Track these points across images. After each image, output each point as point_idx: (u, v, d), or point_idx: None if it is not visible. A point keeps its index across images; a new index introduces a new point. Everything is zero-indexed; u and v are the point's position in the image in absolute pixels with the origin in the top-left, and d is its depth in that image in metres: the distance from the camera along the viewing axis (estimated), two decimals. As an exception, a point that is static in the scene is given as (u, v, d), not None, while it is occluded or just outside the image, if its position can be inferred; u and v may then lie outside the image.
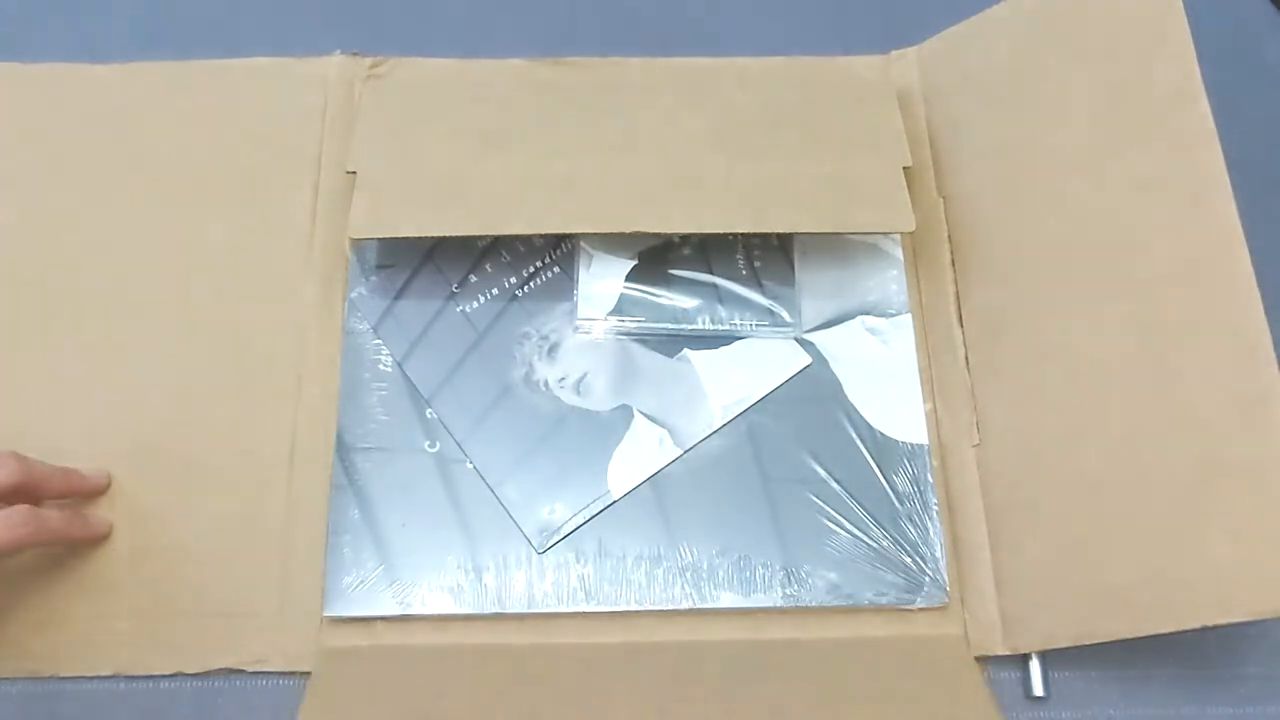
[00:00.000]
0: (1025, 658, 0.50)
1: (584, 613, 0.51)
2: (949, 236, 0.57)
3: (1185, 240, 0.46)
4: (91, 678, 0.49)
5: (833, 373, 0.56)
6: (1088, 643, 0.46)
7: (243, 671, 0.50)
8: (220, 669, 0.50)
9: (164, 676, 0.50)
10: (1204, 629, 0.43)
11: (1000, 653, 0.50)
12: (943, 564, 0.52)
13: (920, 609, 0.51)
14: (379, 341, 0.56)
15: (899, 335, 0.57)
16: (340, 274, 0.57)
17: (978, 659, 0.50)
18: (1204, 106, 0.47)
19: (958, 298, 0.56)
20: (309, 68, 0.61)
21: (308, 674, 0.50)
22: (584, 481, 0.53)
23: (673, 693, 0.48)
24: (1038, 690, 0.50)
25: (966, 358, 0.55)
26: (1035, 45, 0.56)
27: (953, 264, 0.57)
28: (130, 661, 0.49)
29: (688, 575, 0.51)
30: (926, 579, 0.51)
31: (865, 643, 0.51)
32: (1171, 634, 0.43)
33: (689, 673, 0.50)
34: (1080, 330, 0.50)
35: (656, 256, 0.57)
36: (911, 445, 0.54)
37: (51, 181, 0.58)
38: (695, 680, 0.49)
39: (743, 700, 0.49)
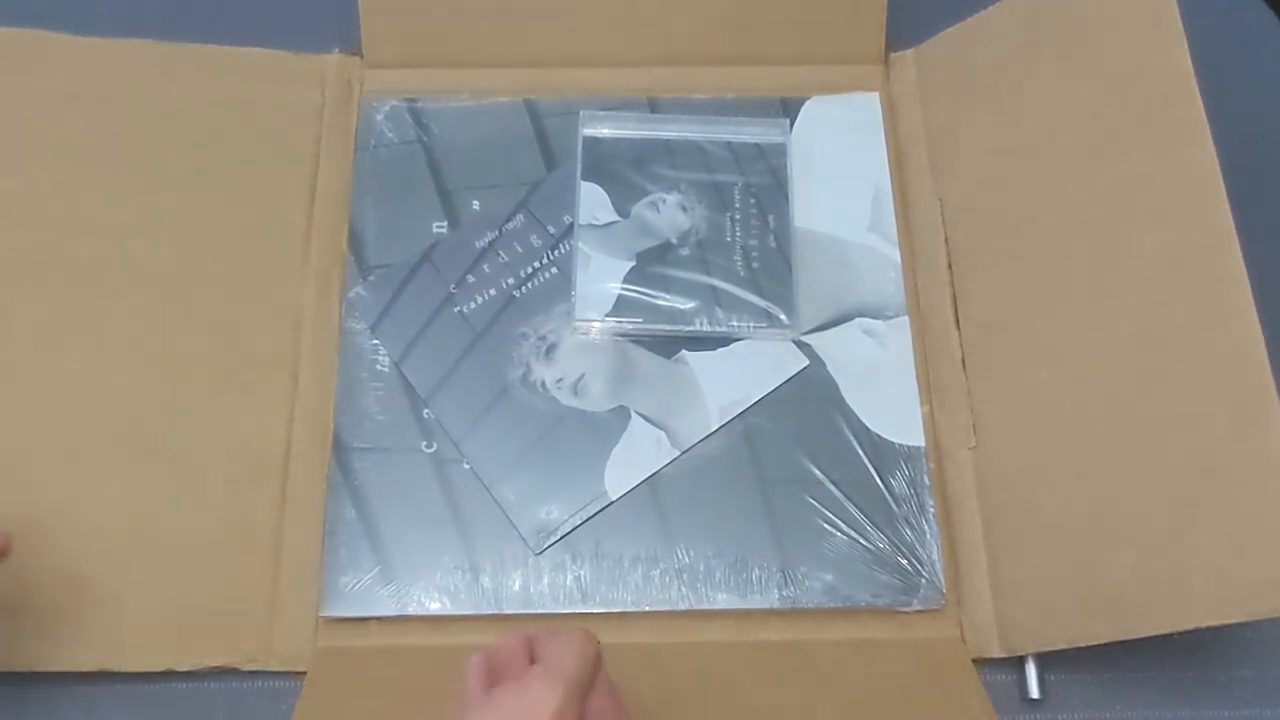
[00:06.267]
0: (1021, 660, 0.51)
1: (580, 614, 0.51)
2: (946, 239, 0.57)
3: (1179, 241, 0.47)
4: (80, 674, 0.49)
5: (830, 375, 0.56)
6: (1083, 644, 0.47)
7: (236, 671, 0.50)
8: (212, 667, 0.49)
9: (154, 674, 0.49)
10: (1199, 630, 0.43)
11: (996, 655, 0.50)
12: (939, 566, 0.52)
13: (916, 611, 0.51)
14: (376, 341, 0.56)
15: (896, 337, 0.57)
16: (337, 272, 0.57)
17: (974, 661, 0.50)
18: (1198, 107, 0.47)
19: (955, 300, 0.56)
20: (307, 64, 0.61)
21: (302, 674, 0.50)
22: (581, 483, 0.53)
23: (669, 694, 0.48)
24: (1034, 692, 0.50)
25: (963, 360, 0.55)
26: (1031, 47, 0.56)
27: (949, 266, 0.57)
28: (119, 657, 0.49)
29: (684, 577, 0.51)
30: (923, 581, 0.51)
31: (862, 644, 0.51)
32: (1167, 635, 0.44)
33: (685, 674, 0.50)
34: (1075, 332, 0.50)
35: (654, 257, 0.58)
36: (908, 447, 0.54)
37: (26, 157, 0.58)
38: (692, 682, 0.49)
39: (739, 702, 0.49)
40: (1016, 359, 0.53)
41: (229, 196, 0.58)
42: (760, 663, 0.50)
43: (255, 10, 0.64)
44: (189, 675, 0.49)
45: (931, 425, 0.55)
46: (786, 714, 0.49)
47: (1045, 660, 0.50)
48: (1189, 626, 0.43)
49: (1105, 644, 0.46)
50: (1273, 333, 0.43)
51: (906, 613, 0.51)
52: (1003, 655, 0.50)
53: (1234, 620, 0.42)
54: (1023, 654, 0.50)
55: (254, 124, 0.60)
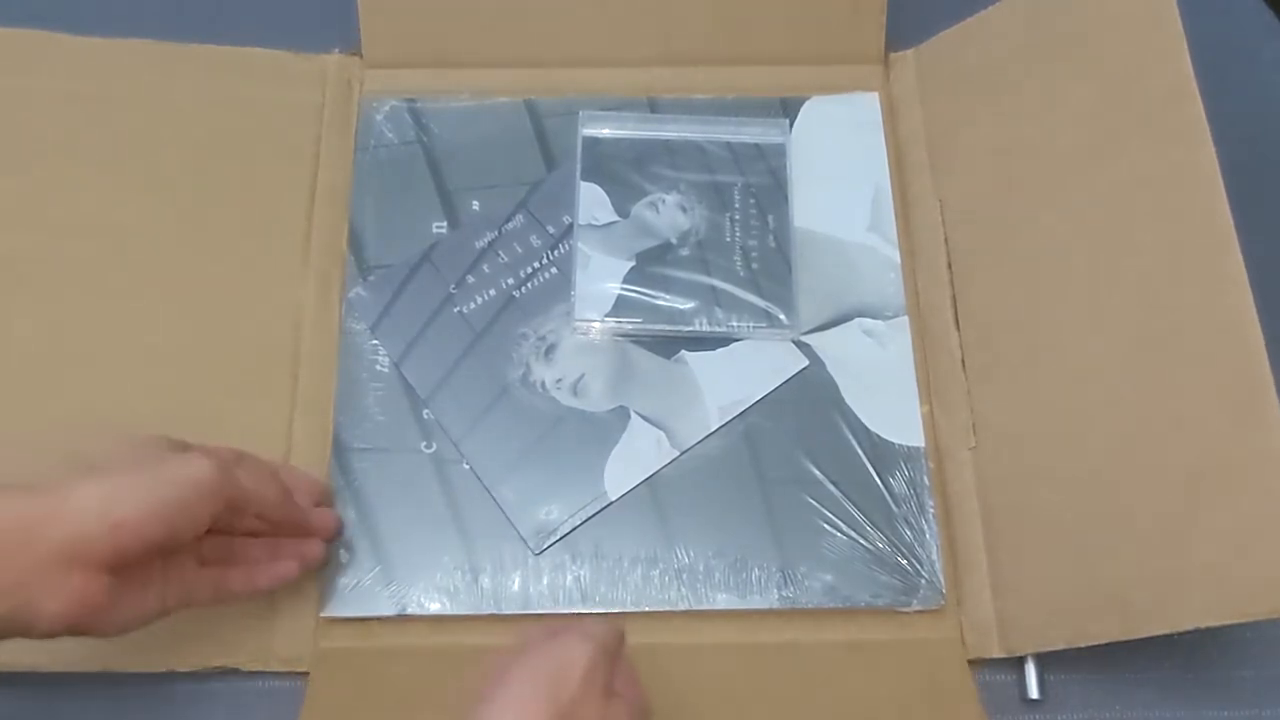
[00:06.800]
0: (1021, 660, 0.50)
1: (580, 614, 0.50)
2: (945, 239, 0.57)
3: (1179, 240, 0.46)
4: (81, 674, 0.48)
5: (829, 375, 0.56)
6: (1082, 644, 0.46)
7: (237, 671, 0.49)
8: (213, 668, 0.49)
9: (155, 675, 0.49)
10: (1198, 631, 0.43)
11: (996, 655, 0.50)
12: (939, 566, 0.52)
13: (916, 611, 0.51)
14: (376, 341, 0.56)
15: (895, 337, 0.57)
16: (337, 272, 0.57)
17: (974, 661, 0.50)
18: (1198, 107, 0.47)
19: (954, 300, 0.56)
20: (307, 64, 0.61)
21: (303, 674, 0.50)
22: (580, 483, 0.53)
23: (669, 694, 0.48)
24: (1033, 693, 0.50)
25: (963, 360, 0.55)
26: (1031, 47, 0.56)
27: (949, 266, 0.57)
28: (120, 658, 0.49)
29: (684, 577, 0.51)
30: (922, 581, 0.51)
31: (860, 645, 0.51)
32: (1166, 636, 0.44)
33: (685, 675, 0.49)
34: (1075, 331, 0.50)
35: (654, 257, 0.58)
36: (908, 448, 0.54)
37: (26, 157, 0.58)
38: (691, 682, 0.49)
39: (738, 702, 0.49)
40: (1016, 359, 0.52)
41: (229, 196, 0.58)
42: (760, 663, 0.50)
43: (255, 10, 0.64)
44: (190, 675, 0.49)
45: (931, 425, 0.55)
46: (783, 715, 0.49)
47: (1045, 660, 0.50)
48: (1189, 626, 0.43)
49: (1105, 644, 0.46)
50: (1273, 333, 0.43)
51: (906, 613, 0.51)
52: (1002, 655, 0.50)
53: (1234, 621, 0.42)
54: (1022, 654, 0.50)
55: (254, 124, 0.60)
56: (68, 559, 0.37)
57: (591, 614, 0.51)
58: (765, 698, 0.49)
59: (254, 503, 0.43)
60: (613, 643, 0.41)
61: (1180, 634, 0.43)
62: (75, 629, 0.38)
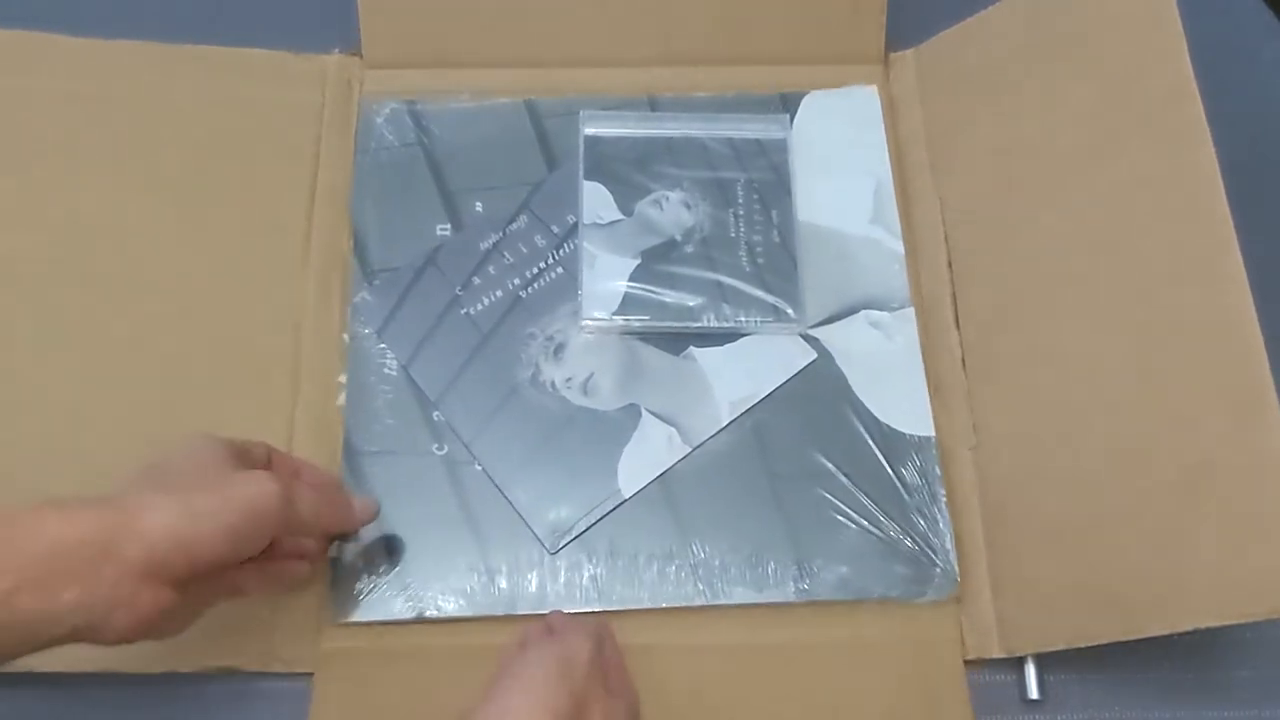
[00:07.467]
0: (1021, 660, 0.51)
1: (597, 612, 0.51)
2: (945, 238, 0.58)
3: (1178, 240, 0.47)
4: (83, 675, 0.48)
5: (838, 367, 0.56)
6: (1082, 645, 0.47)
7: (239, 672, 0.49)
8: (216, 669, 0.49)
9: (156, 676, 0.49)
10: (1199, 631, 0.43)
11: (996, 655, 0.50)
12: (952, 554, 0.52)
13: (931, 601, 0.51)
14: (384, 345, 0.56)
15: (902, 328, 0.57)
16: (337, 273, 0.57)
17: (975, 661, 0.51)
18: (1197, 107, 0.47)
19: (954, 299, 0.57)
20: (307, 64, 0.61)
21: (305, 675, 0.50)
22: (593, 481, 0.53)
23: (668, 695, 0.49)
24: (1033, 693, 0.50)
25: (963, 360, 0.55)
26: (1031, 47, 0.56)
27: (949, 265, 0.57)
28: (123, 659, 0.47)
29: (700, 573, 0.52)
30: (937, 570, 0.52)
31: (860, 644, 0.51)
32: (1166, 636, 0.44)
33: (686, 674, 0.50)
34: (1075, 331, 0.51)
35: (659, 255, 0.58)
36: (918, 438, 0.55)
37: (26, 157, 0.57)
38: (691, 681, 0.50)
39: (738, 702, 0.50)
40: (1016, 359, 0.53)
41: (229, 196, 0.58)
42: (760, 663, 0.50)
43: (255, 10, 0.64)
44: (192, 676, 0.49)
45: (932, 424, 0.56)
46: (782, 713, 0.50)
47: (1045, 660, 0.50)
48: (1189, 627, 0.43)
49: (1105, 644, 0.46)
50: (1273, 333, 0.43)
51: (914, 606, 0.51)
52: (1003, 656, 0.50)
53: (1233, 621, 0.42)
54: (1022, 654, 0.50)
55: (254, 124, 0.60)
56: (142, 575, 0.38)
57: (608, 612, 0.51)
58: (765, 696, 0.50)
59: (303, 527, 0.45)
60: (604, 636, 0.46)
61: (1180, 634, 0.43)
62: (138, 639, 0.39)
